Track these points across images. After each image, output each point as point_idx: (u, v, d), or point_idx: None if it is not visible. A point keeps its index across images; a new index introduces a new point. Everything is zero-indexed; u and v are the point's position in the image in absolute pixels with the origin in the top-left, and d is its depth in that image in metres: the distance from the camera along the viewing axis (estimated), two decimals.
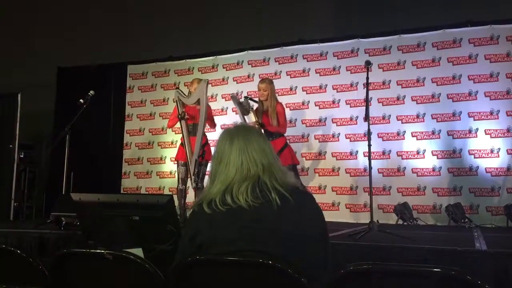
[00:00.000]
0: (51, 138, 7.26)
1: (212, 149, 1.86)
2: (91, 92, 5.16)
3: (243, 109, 5.10)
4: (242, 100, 5.20)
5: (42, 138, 7.91)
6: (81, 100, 5.08)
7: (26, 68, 8.03)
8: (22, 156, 7.02)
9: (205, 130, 5.13)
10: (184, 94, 5.21)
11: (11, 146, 6.64)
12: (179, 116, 5.08)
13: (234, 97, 5.35)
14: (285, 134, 6.24)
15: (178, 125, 5.29)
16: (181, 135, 5.23)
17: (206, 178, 5.20)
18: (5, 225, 5.08)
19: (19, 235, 4.17)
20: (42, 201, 7.02)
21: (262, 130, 4.82)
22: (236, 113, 5.58)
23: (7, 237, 4.16)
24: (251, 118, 5.09)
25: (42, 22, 8.25)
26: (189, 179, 5.09)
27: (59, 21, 8.16)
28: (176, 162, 5.37)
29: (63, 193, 4.95)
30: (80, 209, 2.49)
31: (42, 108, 7.62)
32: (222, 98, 6.79)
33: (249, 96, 5.20)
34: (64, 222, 4.02)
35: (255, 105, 5.16)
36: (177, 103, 5.19)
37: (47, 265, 1.66)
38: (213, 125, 5.38)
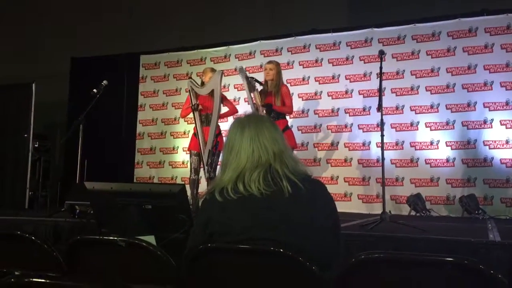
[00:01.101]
0: (65, 127, 7.33)
1: (225, 139, 1.85)
2: (104, 82, 5.19)
3: (250, 85, 5.06)
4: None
5: (56, 127, 7.99)
6: (95, 90, 5.12)
7: (40, 58, 8.10)
8: (36, 145, 7.10)
9: (227, 116, 5.26)
10: (197, 84, 5.22)
11: (26, 135, 6.72)
12: (193, 107, 5.10)
13: (242, 70, 5.22)
14: (298, 124, 6.26)
15: (190, 115, 5.31)
16: (193, 125, 5.25)
17: (219, 168, 5.20)
18: (21, 214, 5.16)
19: (34, 223, 4.24)
20: (56, 190, 7.10)
21: (269, 111, 4.85)
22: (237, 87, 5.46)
23: (22, 225, 4.23)
24: (256, 98, 5.05)
25: (56, 13, 8.29)
26: (201, 169, 5.11)
27: (73, 11, 8.19)
28: (188, 152, 5.39)
29: (77, 182, 5.01)
30: (94, 197, 2.52)
31: (56, 98, 7.69)
32: (235, 88, 6.77)
33: (255, 78, 5.16)
34: (78, 211, 4.07)
35: (260, 88, 5.14)
36: (190, 93, 5.20)
37: (62, 252, 1.68)
38: (234, 109, 5.42)
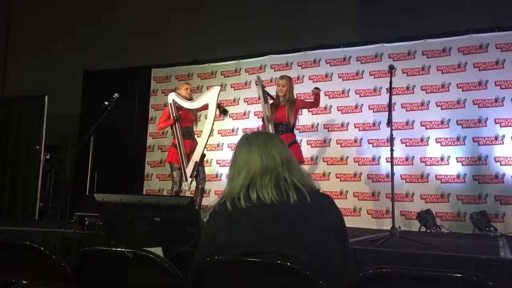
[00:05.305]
0: (77, 139, 7.39)
1: (232, 153, 1.87)
2: (116, 94, 5.26)
3: (265, 95, 5.09)
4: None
5: (68, 139, 8.06)
6: (106, 103, 5.18)
7: (53, 70, 8.21)
8: (48, 157, 7.17)
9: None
10: (182, 97, 5.32)
11: (37, 147, 6.78)
12: (175, 118, 5.22)
13: (259, 80, 5.21)
14: (308, 138, 6.25)
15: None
16: (172, 137, 5.39)
17: (207, 178, 5.63)
18: (31, 224, 5.19)
19: (44, 234, 4.26)
20: (67, 201, 7.14)
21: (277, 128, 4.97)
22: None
23: (32, 236, 4.25)
24: (267, 110, 5.09)
25: (69, 25, 8.42)
26: (183, 181, 5.19)
27: (85, 24, 8.31)
28: (169, 164, 5.43)
29: (87, 193, 5.03)
30: (103, 209, 2.53)
31: (68, 110, 7.77)
32: (245, 101, 6.80)
33: (267, 91, 5.20)
34: (87, 222, 4.08)
35: (271, 101, 5.17)
36: (172, 105, 5.27)
37: (70, 263, 1.69)
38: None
